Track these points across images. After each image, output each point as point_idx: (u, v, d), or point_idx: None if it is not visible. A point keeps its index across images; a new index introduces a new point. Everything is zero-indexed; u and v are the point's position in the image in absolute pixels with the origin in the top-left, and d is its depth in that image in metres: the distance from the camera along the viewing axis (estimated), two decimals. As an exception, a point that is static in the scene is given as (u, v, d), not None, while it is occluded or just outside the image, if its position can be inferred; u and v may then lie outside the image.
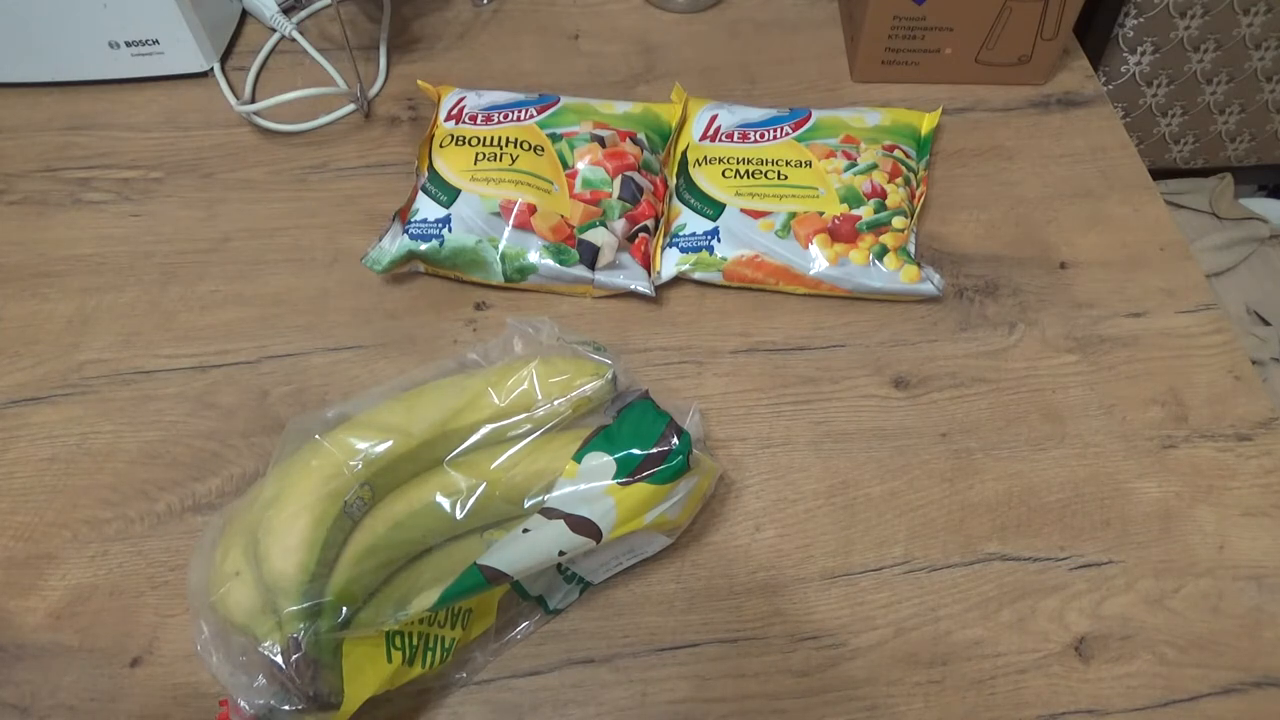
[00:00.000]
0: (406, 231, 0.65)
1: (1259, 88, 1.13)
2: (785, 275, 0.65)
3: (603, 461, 0.50)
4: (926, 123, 0.73)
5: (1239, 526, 0.58)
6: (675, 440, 0.50)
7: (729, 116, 0.72)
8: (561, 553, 0.49)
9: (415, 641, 0.49)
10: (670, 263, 0.66)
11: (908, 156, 0.70)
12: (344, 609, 0.46)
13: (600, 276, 0.64)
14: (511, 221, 0.64)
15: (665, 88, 0.75)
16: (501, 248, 0.64)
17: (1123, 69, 1.09)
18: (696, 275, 0.66)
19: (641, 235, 0.66)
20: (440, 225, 0.64)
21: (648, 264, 0.66)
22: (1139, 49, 1.06)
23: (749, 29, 0.83)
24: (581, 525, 0.49)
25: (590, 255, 0.64)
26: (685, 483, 0.51)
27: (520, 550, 0.49)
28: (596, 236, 0.64)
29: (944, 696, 0.52)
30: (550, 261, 0.64)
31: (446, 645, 0.50)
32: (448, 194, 0.65)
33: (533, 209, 0.64)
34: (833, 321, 0.66)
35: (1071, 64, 0.81)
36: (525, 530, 0.49)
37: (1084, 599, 0.55)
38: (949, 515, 0.58)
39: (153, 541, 0.56)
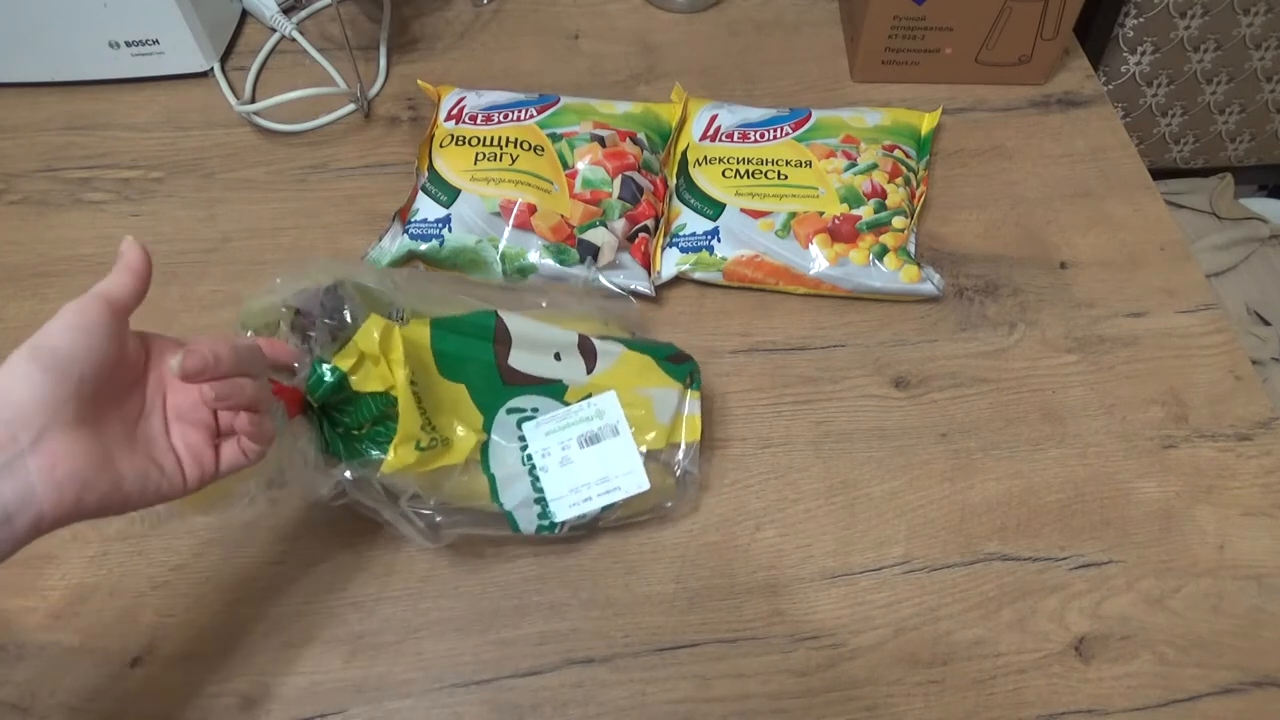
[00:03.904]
0: (406, 231, 0.65)
1: (1259, 88, 1.13)
2: (785, 275, 0.65)
3: (617, 345, 0.57)
4: (926, 123, 0.73)
5: (1239, 526, 0.58)
6: (686, 358, 0.58)
7: (729, 116, 0.72)
8: (557, 356, 0.54)
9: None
10: (670, 263, 0.66)
11: (908, 156, 0.70)
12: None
13: (600, 276, 0.64)
14: (511, 221, 0.64)
15: (665, 88, 0.75)
16: (501, 248, 0.64)
17: (1123, 69, 1.08)
18: (696, 275, 0.66)
19: (641, 235, 0.66)
20: (440, 225, 0.64)
21: (648, 264, 0.66)
22: (1139, 49, 1.06)
23: (749, 29, 0.83)
24: (586, 345, 0.55)
25: (590, 255, 0.64)
26: (676, 395, 0.55)
27: (530, 326, 0.54)
28: (596, 236, 0.64)
29: (944, 696, 0.52)
30: (550, 261, 0.64)
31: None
32: (448, 194, 0.65)
33: (533, 209, 0.64)
34: (833, 321, 0.66)
35: (1071, 64, 0.81)
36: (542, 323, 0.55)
37: (1084, 599, 0.55)
38: (949, 515, 0.58)
39: (153, 541, 0.56)
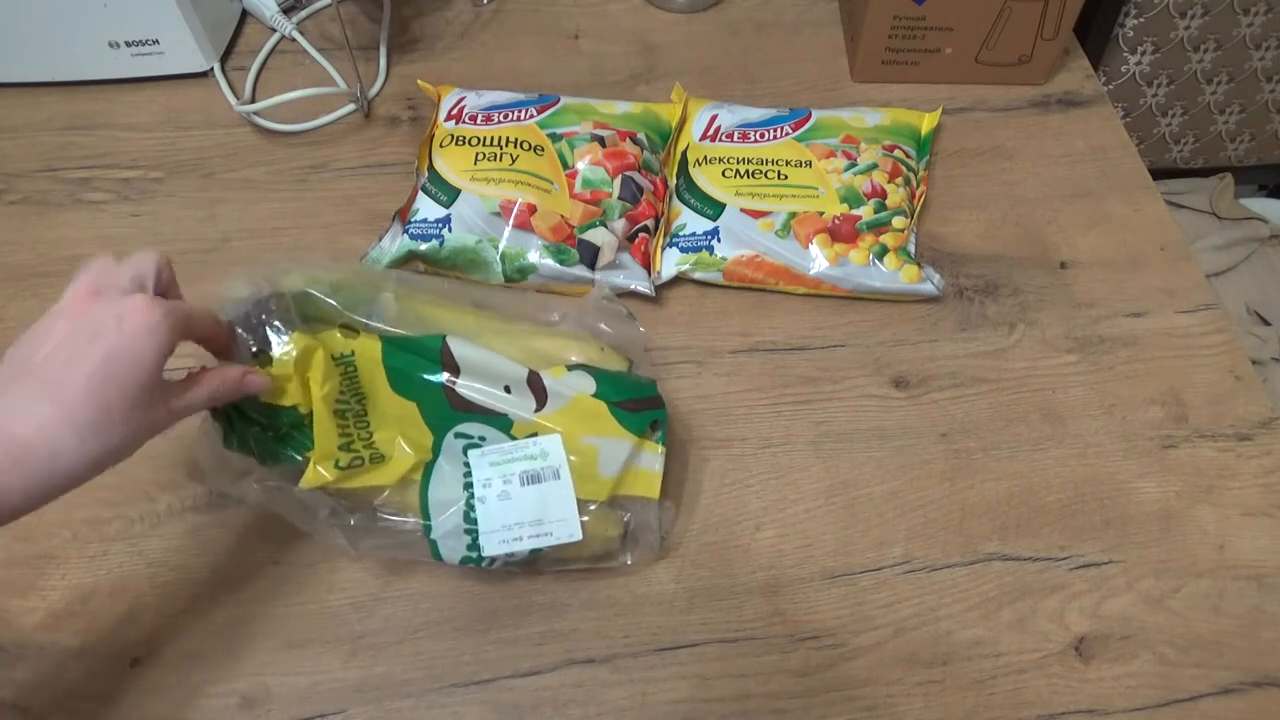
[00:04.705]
0: (406, 231, 0.65)
1: (1259, 88, 1.13)
2: (785, 275, 0.65)
3: (585, 379, 0.53)
4: (926, 123, 0.73)
5: (1239, 526, 0.58)
6: (656, 405, 0.54)
7: (729, 116, 0.72)
8: (507, 389, 0.53)
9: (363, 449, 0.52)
10: (670, 263, 0.66)
11: (908, 156, 0.70)
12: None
13: (600, 276, 0.64)
14: (511, 221, 0.64)
15: (665, 88, 0.75)
16: (501, 248, 0.64)
17: (1123, 69, 1.08)
18: (696, 275, 0.66)
19: (641, 235, 0.66)
20: (440, 225, 0.64)
21: (648, 264, 0.66)
22: (1139, 49, 1.06)
23: (749, 29, 0.83)
24: (535, 383, 0.53)
25: (590, 255, 0.64)
26: (629, 447, 0.53)
27: (481, 356, 0.53)
28: (596, 236, 0.64)
29: (944, 696, 0.52)
30: (550, 261, 0.64)
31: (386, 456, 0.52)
32: (448, 194, 0.65)
33: (533, 209, 0.64)
34: (833, 321, 0.66)
35: (1071, 64, 0.81)
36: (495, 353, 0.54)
37: (1084, 599, 0.55)
38: (949, 515, 0.58)
39: (153, 541, 0.56)
